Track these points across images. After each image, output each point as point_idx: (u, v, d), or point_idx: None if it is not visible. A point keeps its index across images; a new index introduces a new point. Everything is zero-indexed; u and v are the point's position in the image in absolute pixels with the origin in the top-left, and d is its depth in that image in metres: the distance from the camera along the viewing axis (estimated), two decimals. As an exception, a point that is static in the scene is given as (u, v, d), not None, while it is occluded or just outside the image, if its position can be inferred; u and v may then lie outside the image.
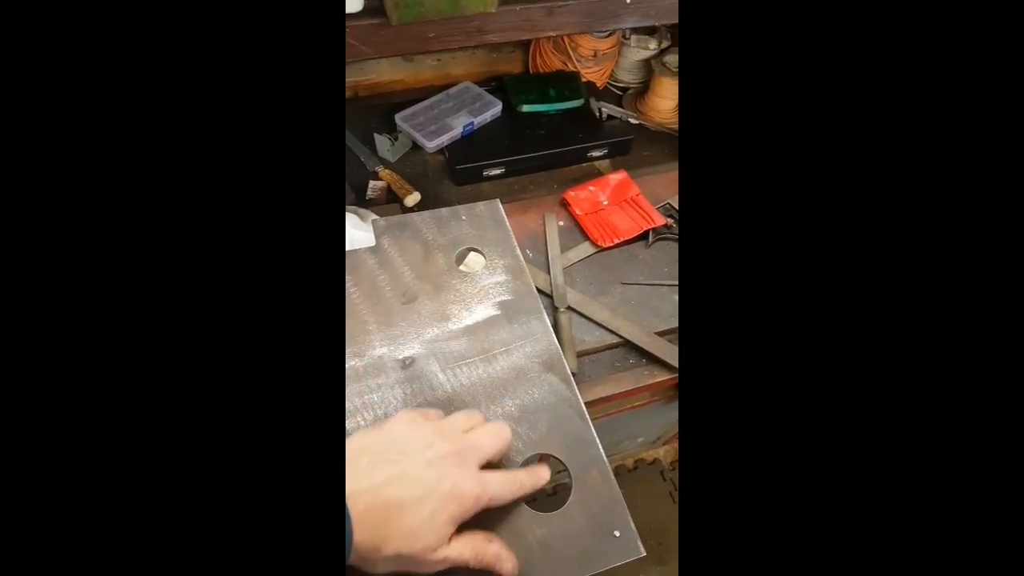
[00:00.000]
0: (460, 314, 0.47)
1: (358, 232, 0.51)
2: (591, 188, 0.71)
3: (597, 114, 0.81)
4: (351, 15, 0.46)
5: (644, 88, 0.88)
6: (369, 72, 0.84)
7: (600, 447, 0.41)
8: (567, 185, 0.73)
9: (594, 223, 0.68)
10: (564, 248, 0.67)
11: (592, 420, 0.43)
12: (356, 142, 0.78)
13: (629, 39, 0.84)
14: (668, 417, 0.97)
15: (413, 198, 0.72)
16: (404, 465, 0.31)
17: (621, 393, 0.59)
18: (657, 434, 1.09)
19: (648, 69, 0.87)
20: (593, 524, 0.37)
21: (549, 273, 0.64)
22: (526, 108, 0.79)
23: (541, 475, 0.38)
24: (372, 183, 0.73)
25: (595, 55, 0.82)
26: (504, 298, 0.49)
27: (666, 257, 0.68)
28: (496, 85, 0.83)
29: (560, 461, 0.40)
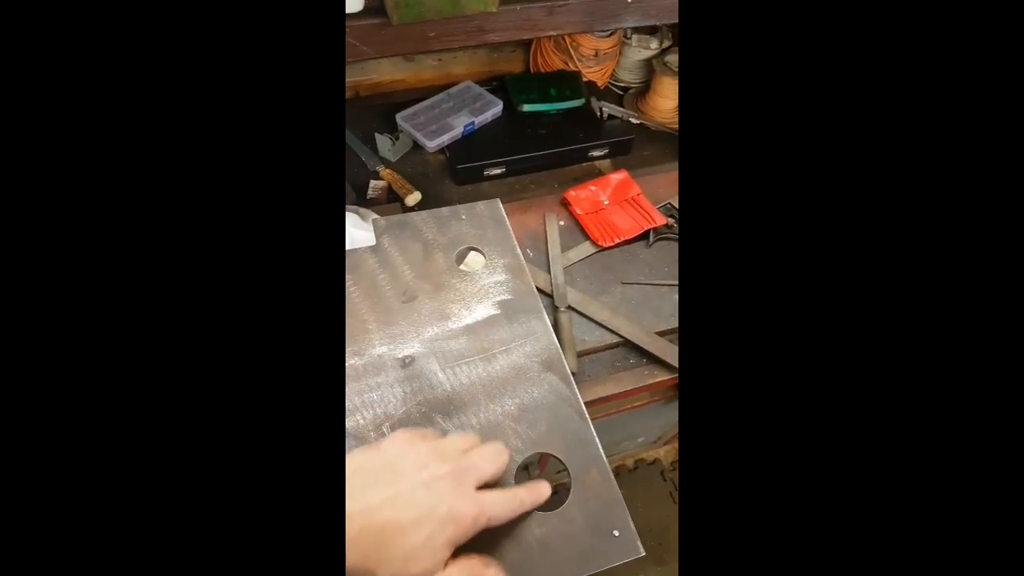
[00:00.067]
0: (460, 313, 0.47)
1: (358, 231, 0.51)
2: (592, 188, 0.71)
3: (598, 114, 0.81)
4: (351, 15, 0.46)
5: (645, 88, 0.88)
6: (370, 72, 0.84)
7: (599, 447, 0.41)
8: (568, 185, 0.73)
9: (595, 223, 0.68)
10: (564, 248, 0.67)
11: (592, 420, 0.43)
12: (357, 142, 0.78)
13: (630, 39, 0.84)
14: (668, 417, 0.97)
15: (414, 197, 0.72)
16: (400, 486, 0.31)
17: (621, 393, 0.59)
18: (657, 434, 1.09)
19: (649, 69, 0.87)
20: (592, 524, 0.37)
21: (549, 272, 0.63)
22: (527, 108, 0.79)
23: (541, 491, 0.37)
24: (373, 182, 0.74)
25: (596, 55, 0.82)
26: (504, 297, 0.49)
27: (667, 257, 0.68)
28: (497, 85, 0.83)
29: (560, 460, 0.40)
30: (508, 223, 0.55)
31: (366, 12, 0.47)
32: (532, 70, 0.89)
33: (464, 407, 0.42)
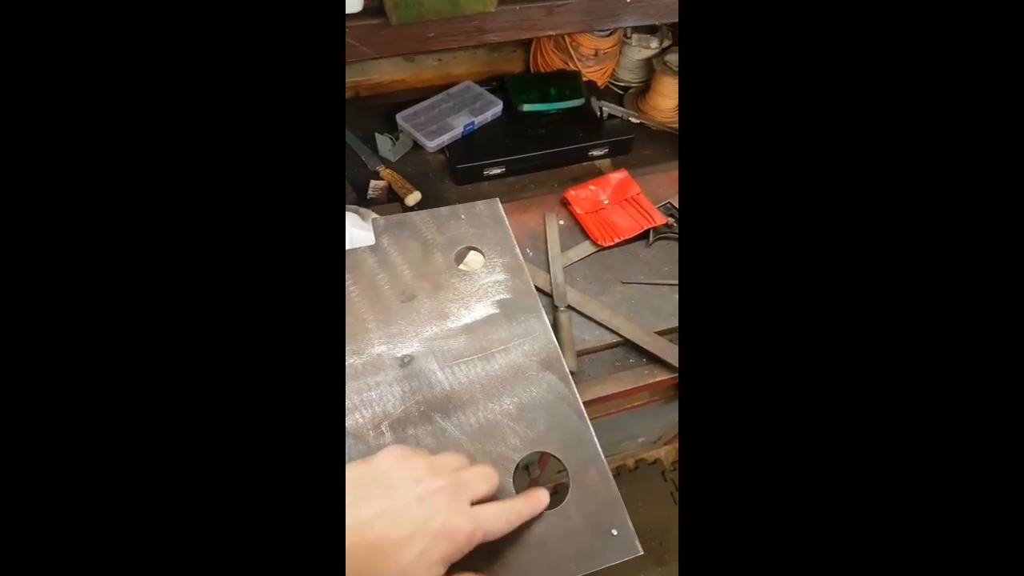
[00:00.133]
0: (459, 312, 0.48)
1: (358, 231, 0.51)
2: (592, 187, 0.71)
3: (598, 113, 0.81)
4: (351, 15, 0.46)
5: (645, 87, 0.88)
6: (371, 72, 0.84)
7: (598, 446, 0.41)
8: (568, 184, 0.73)
9: (594, 222, 0.68)
10: (564, 247, 0.67)
11: (592, 420, 0.43)
12: (357, 142, 0.78)
13: (630, 38, 0.84)
14: (668, 417, 0.97)
15: (414, 197, 0.72)
16: (393, 501, 0.30)
17: (621, 392, 0.59)
18: (658, 434, 1.09)
19: (649, 68, 0.87)
20: (591, 522, 0.37)
21: (549, 272, 0.64)
22: (527, 107, 0.79)
23: (539, 500, 0.36)
24: (373, 182, 0.74)
25: (596, 54, 0.82)
26: (503, 297, 0.49)
27: (666, 256, 0.68)
28: (497, 85, 0.83)
29: (558, 460, 0.40)
30: (507, 222, 0.55)
31: (365, 12, 0.48)
32: (532, 70, 0.89)
33: (463, 406, 0.42)
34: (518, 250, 0.53)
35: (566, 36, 0.80)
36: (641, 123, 0.84)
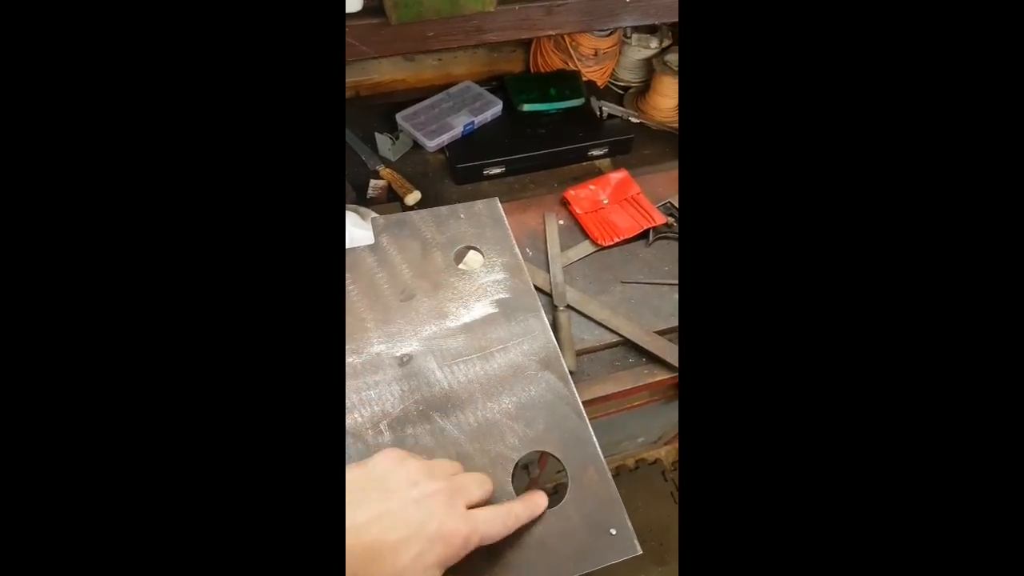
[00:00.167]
0: (458, 312, 0.48)
1: (357, 230, 0.51)
2: (591, 187, 0.71)
3: (598, 113, 0.81)
4: (350, 15, 0.46)
5: (645, 87, 0.88)
6: (371, 72, 0.84)
7: (597, 445, 0.41)
8: (567, 184, 0.73)
9: (594, 222, 0.68)
10: (564, 247, 0.67)
11: (592, 419, 0.43)
12: (357, 141, 0.78)
13: (630, 38, 0.84)
14: (668, 417, 0.97)
15: (413, 197, 0.72)
16: (389, 504, 0.30)
17: (620, 392, 0.59)
18: (658, 434, 1.08)
19: (649, 68, 0.87)
20: (589, 522, 0.37)
21: (549, 272, 0.64)
22: (527, 107, 0.79)
23: (537, 504, 0.36)
24: (373, 182, 0.74)
25: (596, 54, 0.82)
26: (502, 296, 0.49)
27: (666, 256, 0.68)
28: (497, 84, 0.83)
29: (557, 459, 0.40)
30: (506, 222, 0.55)
31: (365, 12, 0.48)
32: (532, 70, 0.89)
33: (462, 405, 0.42)
34: (517, 249, 0.53)
35: (566, 36, 0.80)
36: (641, 123, 0.84)
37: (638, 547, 0.36)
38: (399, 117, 0.78)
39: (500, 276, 0.51)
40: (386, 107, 0.81)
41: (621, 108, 0.83)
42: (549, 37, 0.82)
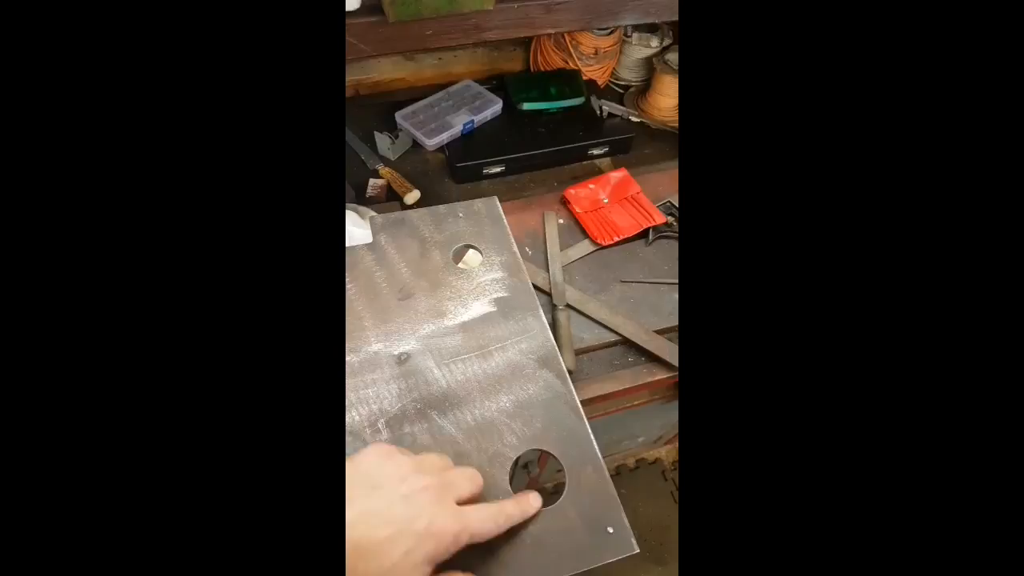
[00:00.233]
0: (456, 311, 0.48)
1: (356, 229, 0.51)
2: (591, 186, 0.71)
3: (598, 112, 0.81)
4: (349, 13, 0.46)
5: (646, 86, 0.87)
6: (370, 71, 0.84)
7: (594, 443, 0.41)
8: (567, 183, 0.73)
9: (594, 221, 0.68)
10: (564, 246, 0.67)
11: (592, 419, 0.43)
12: (357, 140, 0.78)
13: (630, 37, 0.84)
14: (668, 417, 0.97)
15: (413, 196, 0.72)
16: (375, 501, 0.30)
17: (620, 391, 0.59)
18: (658, 434, 1.08)
19: (650, 67, 0.87)
20: (587, 520, 0.37)
21: (548, 271, 0.63)
22: (527, 106, 0.79)
23: (530, 503, 0.36)
24: (372, 181, 0.74)
25: (596, 53, 0.82)
26: (500, 295, 0.49)
27: (666, 255, 0.68)
28: (497, 83, 0.83)
29: (555, 458, 0.40)
30: (505, 221, 0.55)
31: (363, 10, 0.48)
32: (532, 69, 0.89)
33: (459, 404, 0.42)
34: (516, 248, 0.53)
35: (566, 35, 0.80)
36: (641, 122, 0.84)
37: (635, 546, 0.36)
38: (398, 116, 0.78)
39: (498, 275, 0.50)
40: (385, 106, 0.81)
41: (621, 107, 0.83)
42: (549, 36, 0.82)
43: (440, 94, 0.81)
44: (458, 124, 0.77)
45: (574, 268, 0.65)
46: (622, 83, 0.91)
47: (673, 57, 0.83)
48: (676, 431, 1.08)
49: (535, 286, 0.60)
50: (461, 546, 0.31)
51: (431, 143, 0.76)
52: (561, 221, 0.69)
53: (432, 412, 0.41)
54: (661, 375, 0.60)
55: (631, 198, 0.71)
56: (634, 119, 0.83)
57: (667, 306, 0.63)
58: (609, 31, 0.81)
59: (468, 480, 0.34)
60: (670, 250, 0.68)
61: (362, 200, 0.72)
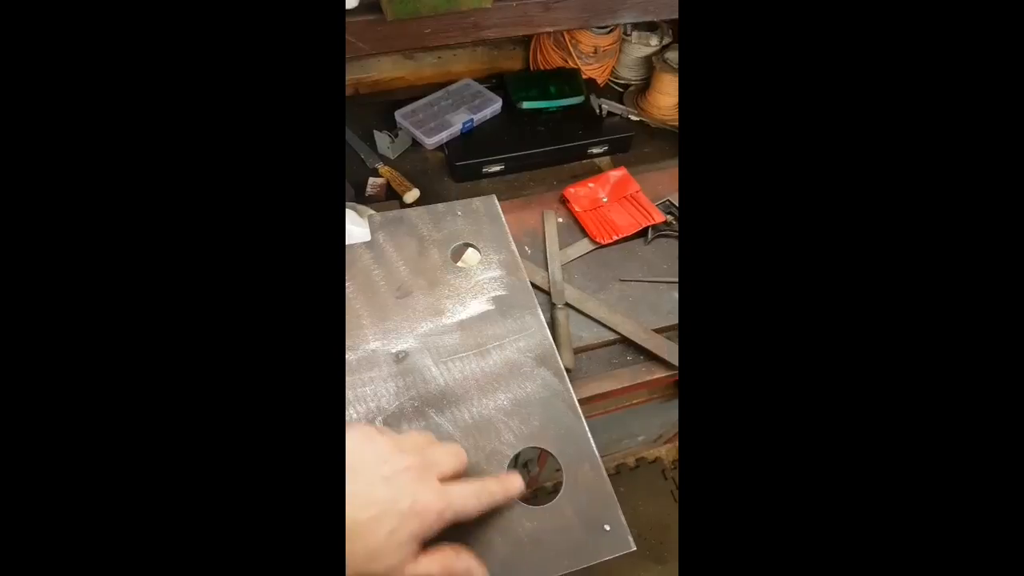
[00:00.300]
0: (454, 309, 0.48)
1: (354, 227, 0.51)
2: (591, 185, 0.71)
3: (597, 111, 0.81)
4: (347, 11, 0.46)
5: (645, 85, 0.87)
6: (370, 69, 0.84)
7: (591, 441, 0.41)
8: (567, 182, 0.73)
9: (593, 220, 0.68)
10: (563, 245, 0.67)
11: (591, 417, 0.43)
12: (356, 139, 0.78)
13: (630, 36, 0.84)
14: (668, 416, 0.97)
15: (412, 195, 0.72)
16: (357, 484, 0.29)
17: (618, 390, 0.59)
18: (658, 433, 1.08)
19: (649, 66, 0.87)
20: (583, 518, 0.37)
21: (547, 270, 0.63)
22: (526, 105, 0.79)
23: (513, 483, 0.36)
24: (372, 180, 0.74)
25: (596, 52, 0.82)
26: (498, 293, 0.49)
27: (665, 254, 0.68)
28: (496, 82, 0.83)
29: (553, 457, 0.40)
30: (504, 219, 0.55)
31: (361, 8, 0.48)
32: (532, 67, 0.89)
33: (457, 402, 0.42)
34: (514, 247, 0.53)
35: (565, 33, 0.80)
36: (640, 121, 0.84)
37: (632, 543, 0.36)
38: (398, 115, 0.78)
39: (497, 273, 0.50)
40: (385, 105, 0.81)
41: (621, 106, 0.83)
42: (548, 34, 0.82)
43: (440, 93, 0.81)
44: (457, 123, 0.77)
45: (573, 267, 0.65)
46: (622, 82, 0.91)
47: (673, 56, 0.83)
48: (676, 430, 1.08)
49: (534, 285, 0.60)
50: (445, 523, 0.31)
51: (430, 142, 0.76)
52: (560, 220, 0.69)
53: (430, 410, 0.41)
54: (660, 374, 0.60)
55: (630, 197, 0.71)
56: (633, 118, 0.83)
57: (666, 305, 0.63)
58: (608, 30, 0.81)
59: (451, 456, 0.34)
60: (669, 249, 0.68)
61: (361, 199, 0.72)
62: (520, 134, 0.78)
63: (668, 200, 0.72)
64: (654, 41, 0.84)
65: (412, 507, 0.30)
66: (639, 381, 0.59)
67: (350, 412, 0.41)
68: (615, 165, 0.78)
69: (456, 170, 0.75)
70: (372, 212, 0.54)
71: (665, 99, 0.84)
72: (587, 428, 0.41)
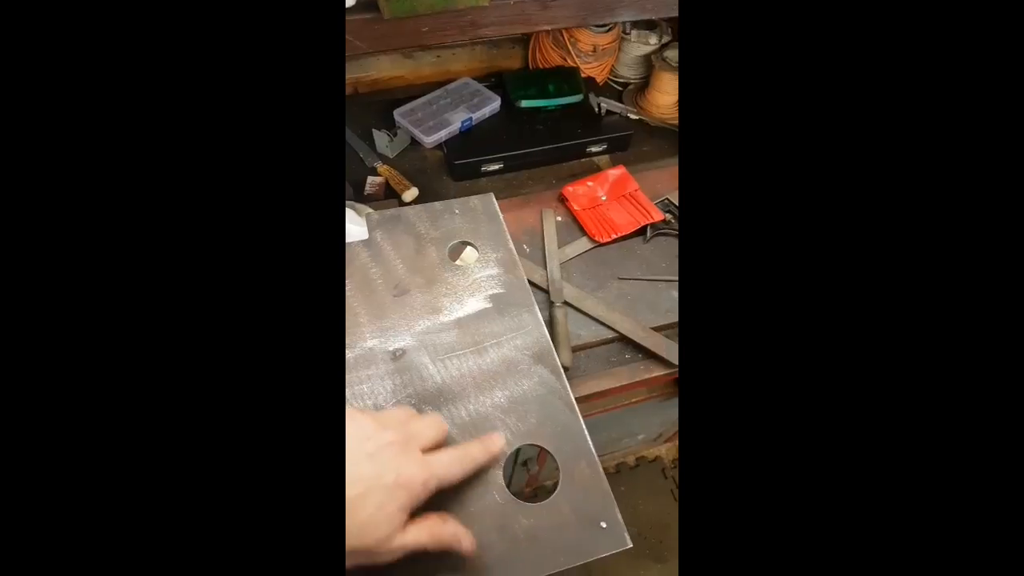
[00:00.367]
0: (451, 307, 0.48)
1: (352, 226, 0.51)
2: (589, 183, 0.71)
3: (596, 109, 0.81)
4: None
5: (645, 83, 0.87)
6: (369, 69, 0.84)
7: (588, 439, 0.41)
8: (565, 180, 0.73)
9: (592, 218, 0.68)
10: (562, 243, 0.67)
11: (590, 416, 0.43)
12: (355, 138, 0.78)
13: (629, 34, 0.84)
14: (668, 414, 0.97)
15: (411, 194, 0.72)
16: None
17: (617, 388, 0.59)
18: (657, 431, 1.08)
19: (648, 64, 0.87)
20: (580, 515, 0.37)
21: (546, 268, 0.64)
22: (525, 103, 0.79)
23: (494, 443, 0.37)
24: (370, 179, 0.74)
25: (594, 50, 0.82)
26: (496, 291, 0.49)
27: (664, 252, 0.68)
28: (495, 81, 0.83)
29: (551, 455, 0.40)
30: (501, 217, 0.55)
31: (358, 7, 0.48)
32: (531, 66, 0.89)
33: (454, 399, 0.42)
34: (512, 245, 0.53)
35: (564, 32, 0.80)
36: (640, 119, 0.84)
37: (628, 540, 0.36)
38: (397, 114, 0.78)
39: (494, 271, 0.50)
40: (384, 104, 0.81)
41: (620, 104, 0.83)
42: (547, 33, 0.82)
43: (438, 92, 0.81)
44: (456, 122, 0.77)
45: (572, 265, 0.65)
46: (621, 80, 0.91)
47: (672, 54, 0.83)
48: (675, 429, 1.08)
49: (533, 283, 0.60)
50: (431, 492, 0.32)
51: (429, 141, 0.76)
52: (559, 218, 0.69)
53: (427, 408, 0.41)
54: (658, 372, 0.60)
55: (629, 195, 0.71)
56: (632, 116, 0.83)
57: (664, 303, 0.63)
58: (607, 28, 0.81)
59: (431, 427, 0.36)
60: (668, 247, 0.68)
61: (360, 197, 0.72)
62: (519, 133, 0.78)
63: (667, 198, 0.72)
64: (653, 40, 0.84)
65: (397, 480, 0.31)
66: (637, 379, 0.59)
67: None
68: (614, 164, 0.78)
69: (455, 169, 0.75)
70: (370, 210, 0.54)
71: (664, 97, 0.84)
72: (584, 425, 0.41)
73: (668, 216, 0.70)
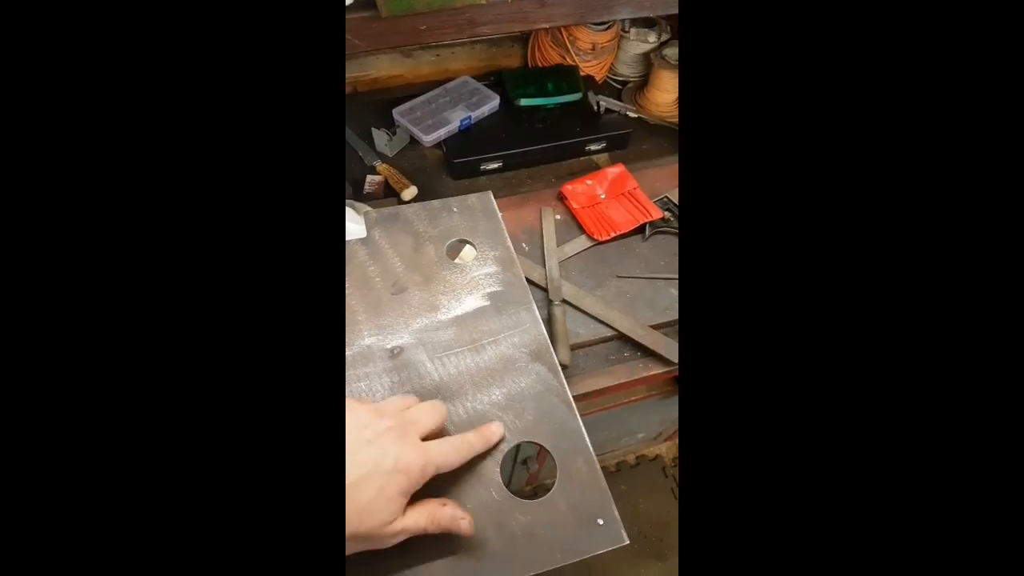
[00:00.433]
0: (449, 305, 0.48)
1: (350, 224, 0.51)
2: (588, 182, 0.71)
3: (595, 108, 0.81)
4: (342, 8, 0.47)
5: (643, 82, 0.87)
6: (368, 67, 0.84)
7: (586, 436, 0.41)
8: (564, 179, 0.73)
9: (591, 217, 0.68)
10: (560, 242, 0.67)
11: (590, 414, 0.43)
12: (354, 137, 0.78)
13: (628, 32, 0.84)
14: (667, 413, 0.97)
15: (410, 192, 0.72)
16: None
17: (615, 386, 0.59)
18: (657, 430, 1.08)
19: (647, 62, 0.87)
20: (577, 512, 0.37)
21: (545, 266, 0.64)
22: (524, 102, 0.79)
23: (492, 432, 0.38)
24: (369, 178, 0.74)
25: (593, 49, 0.82)
26: (494, 289, 0.49)
27: (663, 251, 0.68)
28: (494, 79, 0.83)
29: (549, 454, 0.40)
30: (499, 215, 0.55)
31: (356, 5, 0.48)
32: (530, 65, 0.89)
33: (452, 397, 0.42)
34: (510, 243, 0.53)
35: (563, 30, 0.80)
36: (639, 117, 0.84)
37: (625, 537, 0.36)
38: (396, 112, 0.78)
39: (492, 269, 0.51)
40: (383, 103, 0.81)
41: (619, 103, 0.83)
42: (546, 32, 0.82)
43: (437, 90, 0.81)
44: (455, 120, 0.77)
45: (570, 263, 0.65)
46: (620, 79, 0.91)
47: (671, 52, 0.82)
48: (675, 427, 1.08)
49: (531, 281, 0.60)
50: (429, 477, 0.33)
51: (428, 139, 0.76)
52: (558, 217, 0.69)
53: (424, 405, 0.41)
54: (657, 370, 0.60)
55: (628, 194, 0.71)
56: (631, 115, 0.83)
57: (663, 301, 0.63)
58: (606, 26, 0.81)
59: (429, 414, 0.36)
60: (667, 245, 0.68)
61: (359, 196, 0.72)
62: (518, 131, 0.78)
63: (666, 197, 0.72)
64: (652, 37, 0.84)
65: (396, 465, 0.31)
66: (636, 377, 0.59)
67: (345, 407, 0.41)
68: (613, 162, 0.78)
69: (454, 167, 0.75)
70: (368, 209, 0.54)
71: (663, 96, 0.84)
72: (581, 423, 0.41)
73: (667, 214, 0.70)
